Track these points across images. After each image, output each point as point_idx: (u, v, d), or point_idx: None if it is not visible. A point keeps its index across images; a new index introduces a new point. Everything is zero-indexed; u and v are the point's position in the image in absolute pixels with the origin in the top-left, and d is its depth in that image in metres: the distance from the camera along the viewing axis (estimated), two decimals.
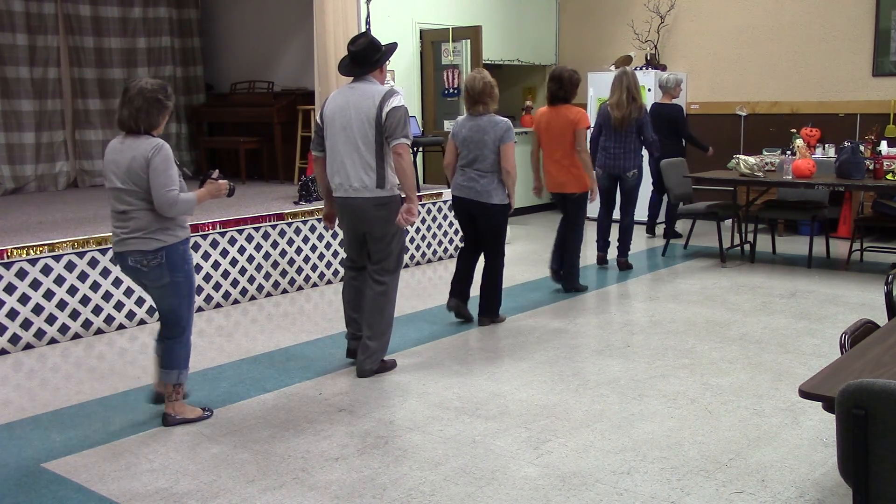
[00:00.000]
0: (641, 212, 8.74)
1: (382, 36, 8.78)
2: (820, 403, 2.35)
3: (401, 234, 4.66)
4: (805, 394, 2.33)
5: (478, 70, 5.50)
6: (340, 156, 4.48)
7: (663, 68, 10.14)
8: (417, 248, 7.85)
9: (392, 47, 4.68)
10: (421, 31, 9.54)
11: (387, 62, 4.64)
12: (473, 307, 5.74)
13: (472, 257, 5.70)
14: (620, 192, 7.30)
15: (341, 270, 7.14)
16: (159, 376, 4.06)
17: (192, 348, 5.26)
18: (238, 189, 4.67)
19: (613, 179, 7.21)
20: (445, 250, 8.01)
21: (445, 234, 8.02)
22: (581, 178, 6.22)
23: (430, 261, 7.84)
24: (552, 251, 6.96)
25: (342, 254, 5.42)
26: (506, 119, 5.41)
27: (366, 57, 4.50)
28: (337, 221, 4.81)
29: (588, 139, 6.19)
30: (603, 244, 7.52)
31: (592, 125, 7.12)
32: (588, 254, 7.14)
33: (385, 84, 4.61)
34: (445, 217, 7.99)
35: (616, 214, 7.45)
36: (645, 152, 7.38)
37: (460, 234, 7.89)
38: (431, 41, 9.65)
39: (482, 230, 5.53)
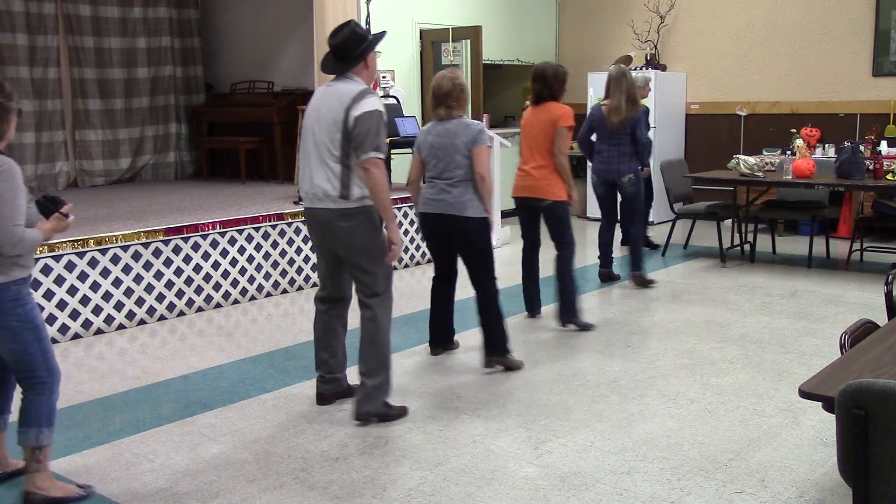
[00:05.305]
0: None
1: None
2: (820, 403, 2.35)
3: (379, 250, 3.96)
4: (805, 394, 2.33)
5: (451, 70, 4.72)
6: (309, 161, 3.96)
7: (663, 68, 10.15)
8: (418, 247, 7.85)
9: (379, 36, 4.07)
10: (421, 31, 9.55)
11: (374, 54, 4.05)
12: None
13: (447, 290, 5.00)
14: (621, 200, 6.69)
15: None
16: (20, 440, 3.20)
17: (192, 349, 5.32)
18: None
19: (610, 186, 6.62)
20: None
21: None
22: (560, 184, 5.38)
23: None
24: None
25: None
26: (479, 122, 4.65)
27: (348, 51, 3.90)
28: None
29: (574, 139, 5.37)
30: (605, 259, 6.86)
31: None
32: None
33: (380, 81, 4.10)
34: None
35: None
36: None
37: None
38: (431, 41, 9.66)
39: (461, 252, 4.73)
